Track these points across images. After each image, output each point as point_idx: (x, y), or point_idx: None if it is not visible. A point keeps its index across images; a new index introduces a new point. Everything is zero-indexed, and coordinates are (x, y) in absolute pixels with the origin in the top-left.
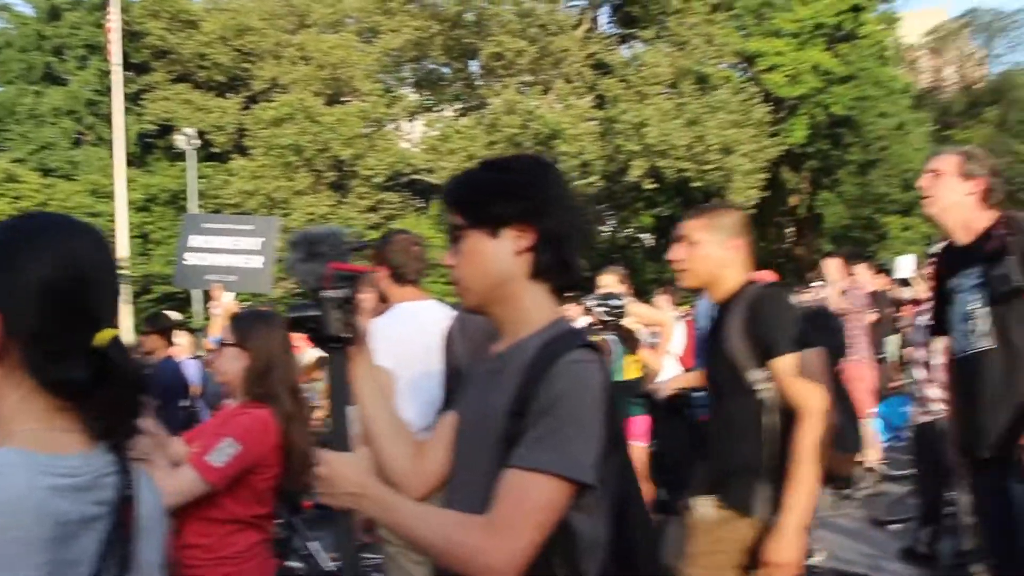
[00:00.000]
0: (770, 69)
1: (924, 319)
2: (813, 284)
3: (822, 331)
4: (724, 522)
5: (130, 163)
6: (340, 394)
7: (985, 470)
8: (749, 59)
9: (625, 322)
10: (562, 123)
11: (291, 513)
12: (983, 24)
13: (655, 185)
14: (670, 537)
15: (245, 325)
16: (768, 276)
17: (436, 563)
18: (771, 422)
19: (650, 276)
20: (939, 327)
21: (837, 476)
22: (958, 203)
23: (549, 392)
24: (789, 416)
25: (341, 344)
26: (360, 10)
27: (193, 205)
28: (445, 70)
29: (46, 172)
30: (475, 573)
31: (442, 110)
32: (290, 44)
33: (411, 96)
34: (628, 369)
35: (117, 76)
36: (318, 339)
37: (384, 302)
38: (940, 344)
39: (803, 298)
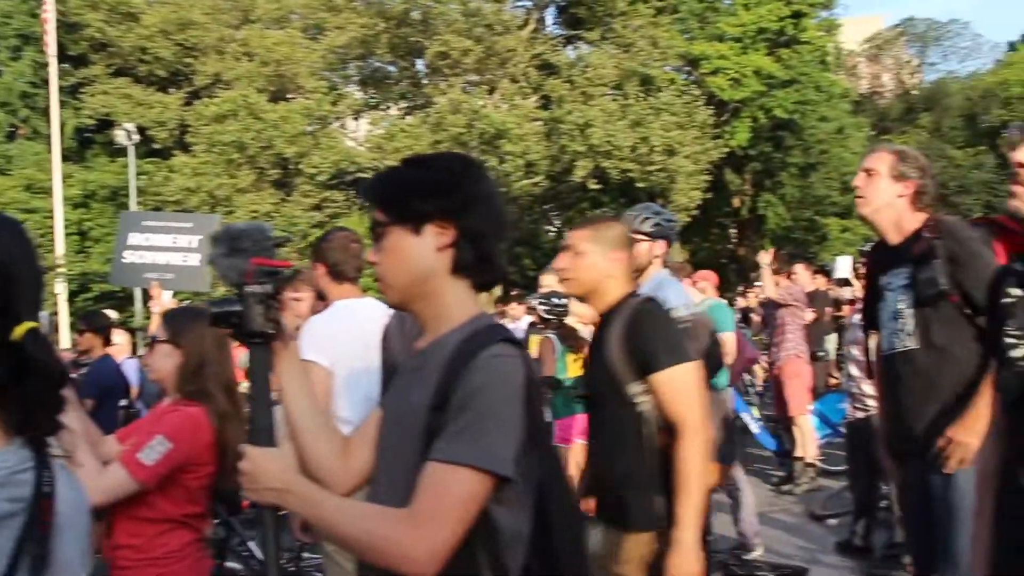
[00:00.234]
0: (714, 72)
1: (859, 317)
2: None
3: (699, 345)
4: (616, 547)
5: (67, 158)
6: (262, 390)
7: (908, 464)
8: (693, 62)
9: (568, 320)
10: (507, 123)
11: (229, 513)
12: (918, 33)
13: (600, 186)
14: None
15: (178, 322)
16: (709, 276)
17: (359, 557)
18: (650, 434)
19: None
20: (870, 323)
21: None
22: (890, 204)
23: (468, 386)
24: (668, 429)
25: (264, 340)
26: (305, 6)
27: (133, 202)
28: (391, 68)
29: None
30: (396, 565)
31: (387, 108)
32: (234, 40)
33: (356, 94)
34: (570, 367)
35: (54, 68)
36: (240, 335)
37: (322, 300)
38: (872, 340)
39: (680, 314)
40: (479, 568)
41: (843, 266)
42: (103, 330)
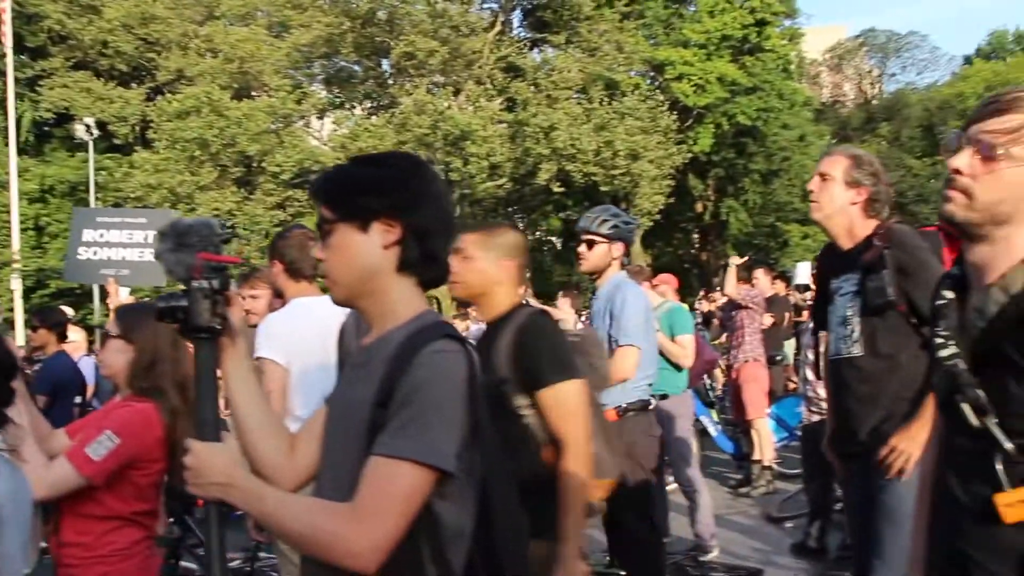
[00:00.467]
0: (678, 78)
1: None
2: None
3: (589, 360)
4: None
5: (24, 152)
6: (208, 385)
7: (852, 466)
8: (658, 67)
9: None
10: (472, 124)
11: (184, 511)
12: (879, 44)
13: (563, 189)
14: None
15: (130, 317)
16: (670, 280)
17: (303, 551)
18: (535, 447)
19: (559, 278)
20: (820, 324)
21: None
22: (842, 211)
23: (411, 381)
24: (554, 444)
25: (210, 335)
26: (270, 4)
27: (92, 198)
28: (356, 68)
29: None
30: (338, 559)
31: (352, 108)
32: (197, 35)
33: (321, 93)
34: None
35: (10, 60)
36: (186, 329)
37: (280, 298)
38: (821, 342)
39: (570, 328)
40: (422, 563)
41: (803, 272)
42: (58, 326)
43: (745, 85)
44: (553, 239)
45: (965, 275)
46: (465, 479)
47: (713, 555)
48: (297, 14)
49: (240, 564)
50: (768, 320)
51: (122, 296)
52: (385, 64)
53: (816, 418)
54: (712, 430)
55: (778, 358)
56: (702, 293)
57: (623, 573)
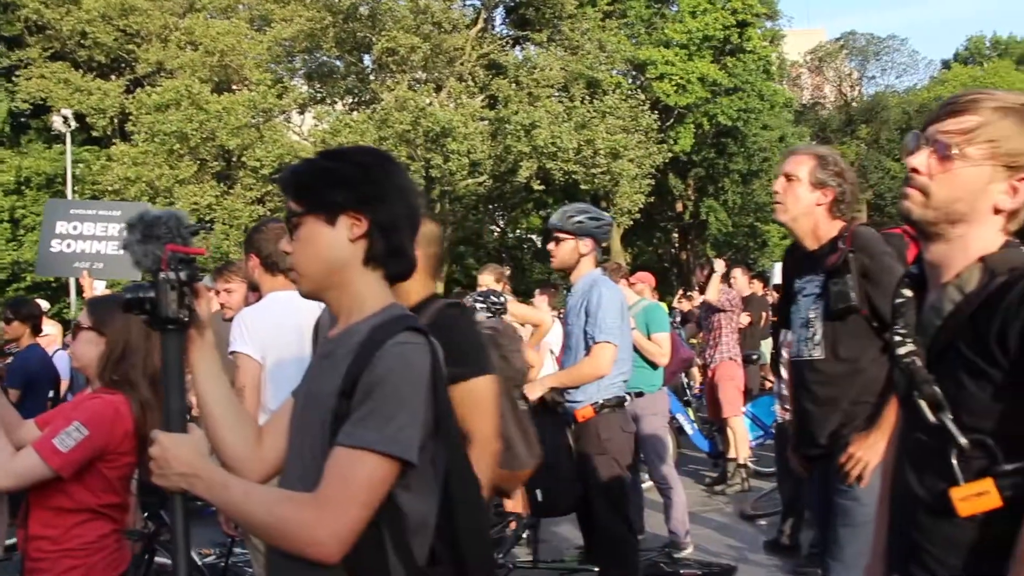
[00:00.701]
0: (659, 77)
1: None
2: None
3: (503, 353)
4: None
5: (0, 143)
6: (175, 376)
7: (813, 467)
8: (639, 67)
9: (506, 318)
10: (453, 121)
11: (160, 506)
12: (859, 47)
13: (543, 187)
14: None
15: (102, 309)
16: (647, 278)
17: (267, 541)
18: None
19: (539, 276)
20: (783, 323)
21: (502, 491)
22: (808, 213)
23: (374, 373)
24: (464, 437)
25: (177, 326)
26: None
27: (70, 190)
28: (337, 63)
29: None
30: (301, 548)
31: (333, 103)
32: (177, 28)
33: (302, 88)
34: None
35: None
36: (153, 320)
37: (255, 291)
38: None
39: (484, 319)
40: (385, 553)
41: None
42: (32, 319)
43: (726, 86)
44: (533, 237)
45: (923, 274)
46: (428, 470)
47: (687, 552)
48: (279, 8)
49: (215, 560)
50: (745, 319)
51: (98, 289)
52: (367, 60)
53: (788, 416)
54: (688, 428)
55: (754, 357)
56: (680, 292)
57: (597, 569)
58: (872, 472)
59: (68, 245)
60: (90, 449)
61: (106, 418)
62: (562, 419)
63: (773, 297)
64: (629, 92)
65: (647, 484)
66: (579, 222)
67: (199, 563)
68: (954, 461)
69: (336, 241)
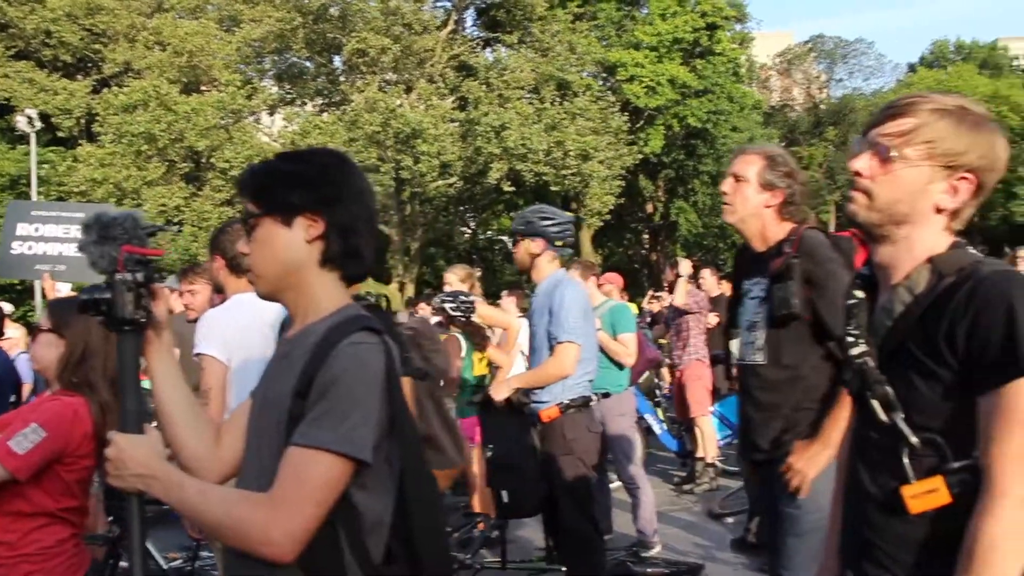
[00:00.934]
0: (630, 79)
1: None
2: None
3: (422, 353)
4: None
5: None
6: (130, 377)
7: (759, 473)
8: (609, 69)
9: (474, 318)
10: (423, 123)
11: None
12: (827, 50)
13: (514, 188)
14: None
15: (62, 311)
16: (615, 279)
17: (223, 542)
18: None
19: (509, 278)
20: (732, 324)
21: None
22: (756, 214)
23: (329, 373)
24: None
25: (134, 328)
26: None
27: (35, 192)
28: (307, 64)
29: None
30: (256, 548)
31: (303, 105)
32: (145, 28)
33: (271, 89)
34: (476, 366)
35: None
36: (110, 322)
37: (220, 293)
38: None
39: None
40: (340, 552)
41: None
42: None
43: (695, 88)
44: (504, 239)
45: (874, 275)
46: (383, 469)
47: (655, 551)
48: (248, 8)
49: (181, 564)
50: (714, 320)
51: (61, 292)
52: (337, 61)
53: None
54: (656, 428)
55: (723, 357)
56: (650, 293)
57: (563, 569)
58: (811, 483)
59: (29, 247)
60: (48, 451)
61: (65, 420)
62: (527, 420)
63: None
64: (599, 94)
65: (615, 484)
66: (528, 222)
67: (164, 567)
68: (905, 460)
69: (293, 242)
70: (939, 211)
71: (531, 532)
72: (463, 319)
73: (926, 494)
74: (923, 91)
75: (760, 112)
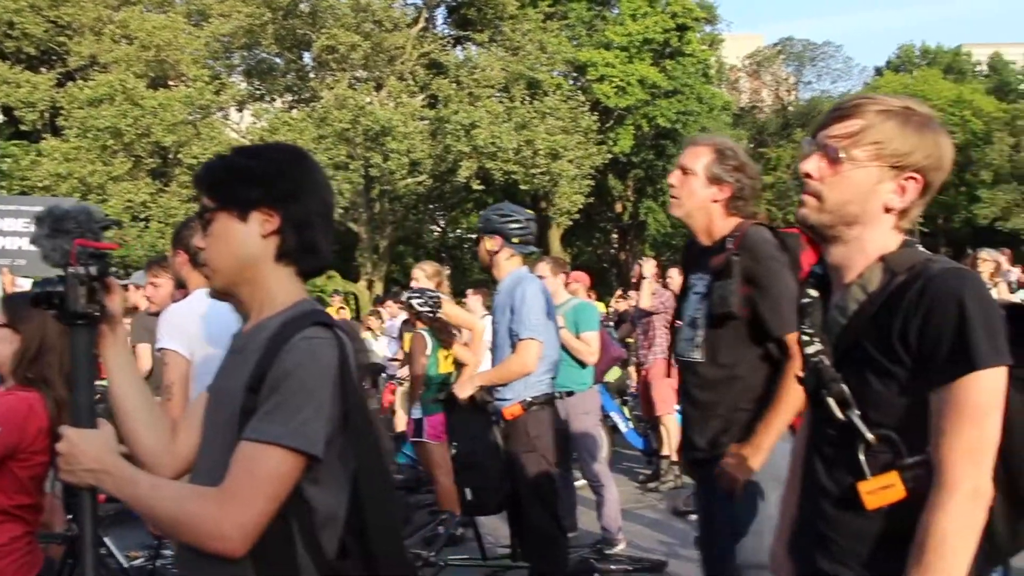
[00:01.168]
0: (600, 79)
1: None
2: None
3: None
4: None
5: None
6: (84, 371)
7: (697, 473)
8: (580, 68)
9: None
10: (393, 120)
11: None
12: (795, 53)
13: (483, 187)
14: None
15: (18, 306)
16: (582, 277)
17: (174, 537)
18: None
19: (478, 276)
20: (678, 317)
21: None
22: (702, 208)
23: (280, 367)
24: None
25: (87, 322)
26: None
27: None
28: (277, 60)
29: None
30: (206, 542)
31: (272, 101)
32: (112, 21)
33: (240, 85)
34: (442, 364)
35: None
36: (62, 315)
37: (182, 288)
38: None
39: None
40: (294, 546)
41: None
42: None
43: (665, 88)
44: (473, 237)
45: (828, 274)
46: (337, 464)
47: (619, 548)
48: (217, 3)
49: (143, 562)
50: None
51: (21, 286)
52: (307, 57)
53: None
54: (622, 426)
55: None
56: (618, 293)
57: (527, 566)
58: (746, 487)
59: None
60: (2, 447)
61: (19, 415)
62: (490, 417)
63: None
64: (569, 93)
65: (580, 482)
66: (487, 219)
67: (125, 565)
68: (861, 456)
69: (248, 237)
70: (888, 211)
71: (495, 529)
72: (429, 315)
73: (882, 489)
74: (869, 93)
75: (729, 113)
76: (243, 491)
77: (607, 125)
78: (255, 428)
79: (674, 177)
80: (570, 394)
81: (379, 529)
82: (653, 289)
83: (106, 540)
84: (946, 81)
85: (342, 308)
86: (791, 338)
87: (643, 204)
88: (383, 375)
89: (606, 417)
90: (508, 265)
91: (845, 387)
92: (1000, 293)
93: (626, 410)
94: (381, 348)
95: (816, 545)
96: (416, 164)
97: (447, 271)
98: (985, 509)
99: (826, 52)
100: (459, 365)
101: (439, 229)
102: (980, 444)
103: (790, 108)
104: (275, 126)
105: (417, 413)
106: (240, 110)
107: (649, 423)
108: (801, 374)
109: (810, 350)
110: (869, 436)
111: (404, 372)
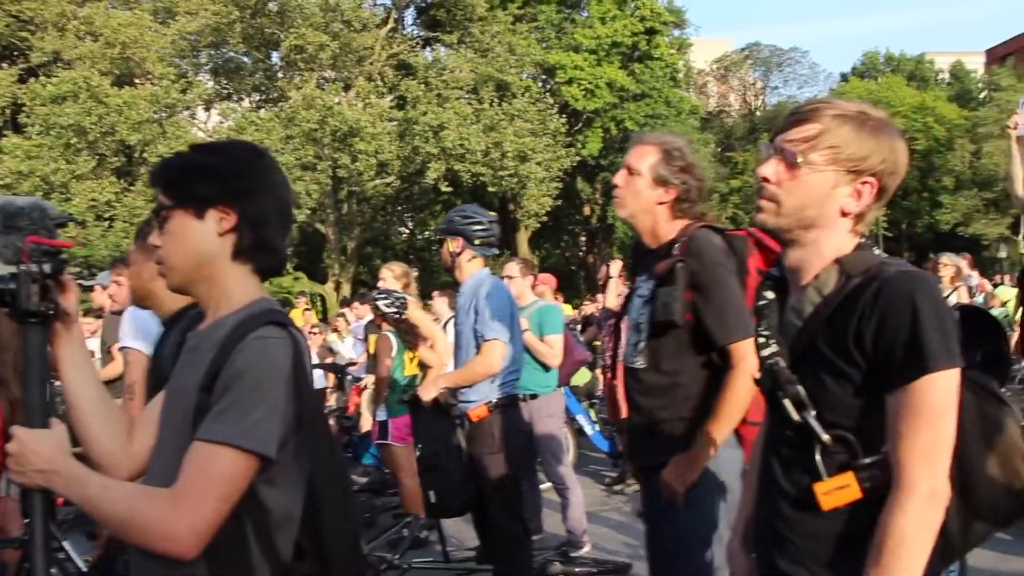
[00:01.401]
0: (568, 82)
1: None
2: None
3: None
4: None
5: None
6: (36, 370)
7: (643, 479)
8: (548, 71)
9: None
10: (361, 121)
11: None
12: (763, 58)
13: (451, 188)
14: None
15: None
16: (549, 280)
17: (125, 538)
18: None
19: (446, 278)
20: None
21: None
22: (647, 210)
23: (234, 367)
24: None
25: (40, 320)
26: None
27: None
28: (244, 59)
29: None
30: (157, 543)
31: (239, 100)
32: (76, 17)
33: (207, 83)
34: (407, 366)
35: None
36: (15, 313)
37: None
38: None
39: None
40: (248, 547)
41: None
42: None
43: (634, 91)
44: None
45: (784, 276)
46: (291, 465)
47: (585, 550)
48: (184, 0)
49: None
50: None
51: None
52: (275, 56)
53: None
54: (588, 429)
55: None
56: (588, 296)
57: (491, 568)
58: (688, 496)
59: None
60: None
61: None
62: (453, 420)
63: None
64: (538, 95)
65: (545, 484)
66: (449, 221)
67: (84, 569)
68: (818, 457)
69: (204, 235)
70: (844, 214)
71: (462, 531)
72: (395, 316)
73: (837, 490)
74: (826, 97)
75: (697, 117)
76: (195, 492)
77: (575, 128)
78: (208, 428)
79: (619, 177)
80: (534, 397)
81: (335, 531)
82: (619, 290)
83: (64, 544)
84: (910, 88)
85: (308, 309)
86: (735, 347)
87: (611, 207)
88: (349, 377)
89: (572, 420)
90: (470, 267)
91: (801, 389)
92: (960, 297)
93: (593, 412)
94: (346, 349)
95: (774, 545)
96: (384, 165)
97: (415, 273)
98: (942, 509)
99: (793, 58)
100: (424, 367)
101: (407, 231)
102: (936, 445)
103: (757, 113)
104: (242, 126)
105: (382, 415)
106: (207, 109)
107: (615, 426)
108: (757, 375)
109: (766, 352)
110: (825, 437)
111: (366, 375)
